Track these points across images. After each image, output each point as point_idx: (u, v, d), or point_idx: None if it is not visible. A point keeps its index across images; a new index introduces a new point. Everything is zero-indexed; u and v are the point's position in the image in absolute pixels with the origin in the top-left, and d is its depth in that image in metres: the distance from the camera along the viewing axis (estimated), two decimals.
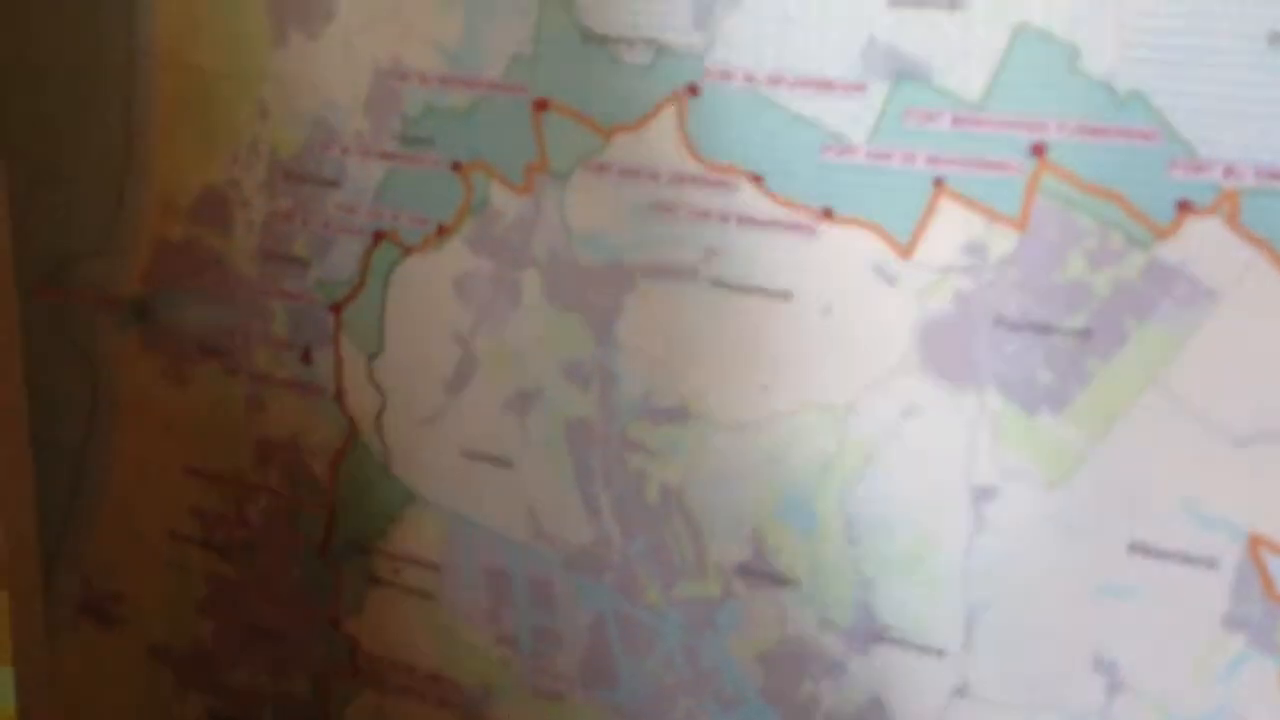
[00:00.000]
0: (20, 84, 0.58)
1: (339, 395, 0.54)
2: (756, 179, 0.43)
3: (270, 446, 0.56)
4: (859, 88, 0.41)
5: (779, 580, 0.46)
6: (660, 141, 0.45)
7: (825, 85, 0.42)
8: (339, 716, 0.57)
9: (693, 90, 0.44)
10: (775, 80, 0.42)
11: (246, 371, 0.56)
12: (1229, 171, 0.37)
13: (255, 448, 0.56)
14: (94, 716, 0.65)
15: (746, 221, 0.44)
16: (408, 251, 0.51)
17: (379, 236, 0.51)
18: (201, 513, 0.59)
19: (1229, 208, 0.37)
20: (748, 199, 0.44)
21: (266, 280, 0.54)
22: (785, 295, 0.44)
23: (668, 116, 0.44)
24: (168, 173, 0.55)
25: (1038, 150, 0.39)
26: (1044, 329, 0.40)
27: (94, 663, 0.64)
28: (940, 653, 0.44)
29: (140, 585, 0.61)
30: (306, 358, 0.54)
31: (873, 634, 0.45)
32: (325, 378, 0.54)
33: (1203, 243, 0.38)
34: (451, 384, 0.51)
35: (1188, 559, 0.40)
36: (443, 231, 0.50)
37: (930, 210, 0.41)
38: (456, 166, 0.49)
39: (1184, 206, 0.38)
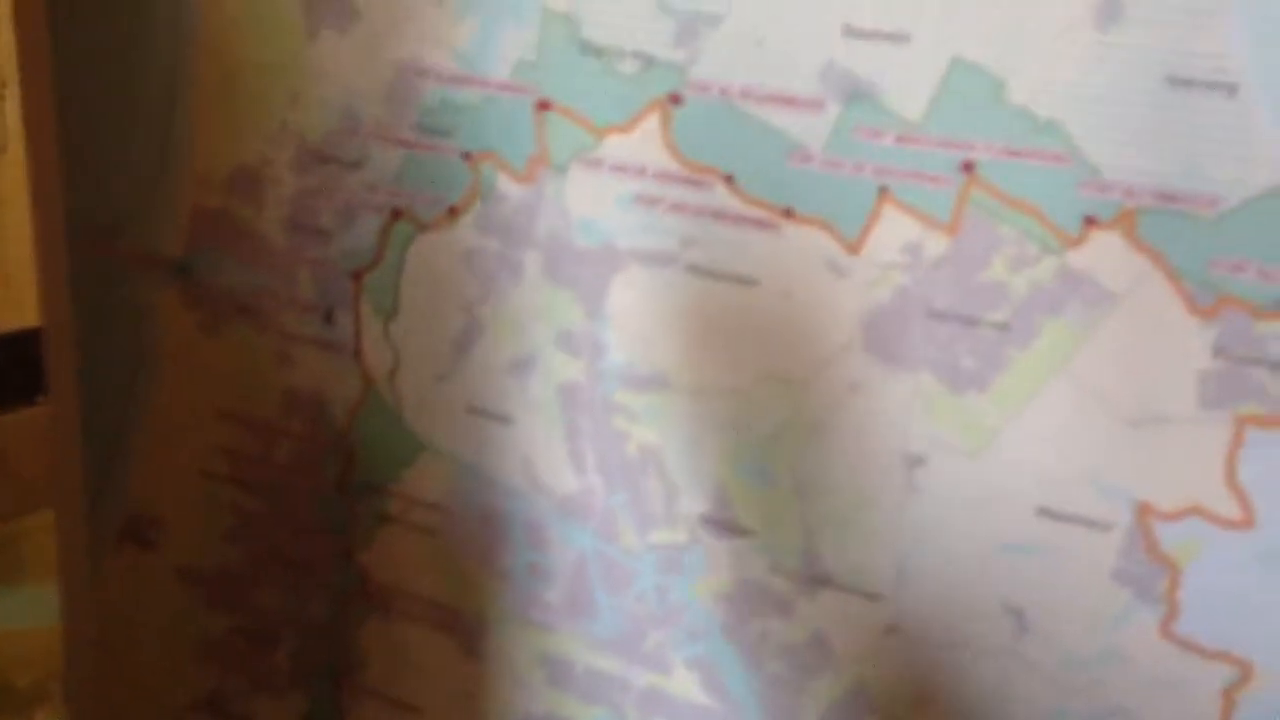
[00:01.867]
0: (77, 67, 0.64)
1: (357, 353, 0.60)
2: (729, 179, 0.50)
3: (295, 396, 0.63)
4: (818, 104, 0.47)
5: (737, 530, 0.53)
6: (646, 142, 0.51)
7: (789, 101, 0.48)
8: (353, 637, 0.64)
9: (675, 99, 0.50)
10: (746, 94, 0.48)
11: (275, 329, 0.62)
12: (1129, 192, 0.43)
13: (282, 396, 0.63)
14: (131, 631, 0.72)
15: (720, 216, 0.50)
16: (422, 228, 0.57)
17: (396, 214, 0.57)
18: (232, 452, 0.65)
19: (1128, 223, 0.43)
20: (721, 196, 0.50)
21: (294, 248, 0.60)
22: (751, 281, 0.50)
23: (653, 121, 0.50)
24: (206, 149, 0.61)
25: (967, 167, 0.45)
26: (970, 321, 0.46)
27: (133, 582, 0.71)
28: (875, 596, 0.51)
29: (176, 514, 0.68)
30: (329, 319, 0.60)
31: (817, 579, 0.51)
32: (345, 337, 0.60)
33: (1105, 252, 0.44)
34: (459, 347, 0.58)
35: (1086, 522, 0.46)
36: (453, 212, 0.56)
37: (875, 214, 0.47)
38: (467, 156, 0.55)
39: (1090, 221, 0.44)
